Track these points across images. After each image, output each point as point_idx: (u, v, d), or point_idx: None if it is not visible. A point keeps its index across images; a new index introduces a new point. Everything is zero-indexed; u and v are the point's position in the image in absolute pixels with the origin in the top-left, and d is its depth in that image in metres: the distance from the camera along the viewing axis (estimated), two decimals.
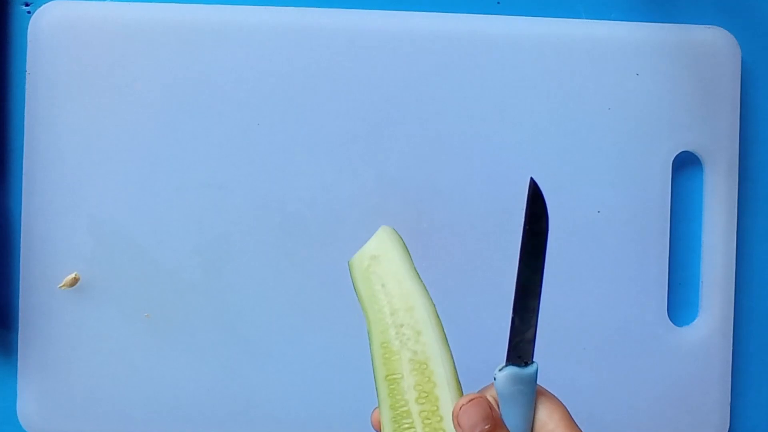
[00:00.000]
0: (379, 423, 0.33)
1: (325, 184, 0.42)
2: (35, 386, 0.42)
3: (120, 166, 0.42)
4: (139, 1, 0.43)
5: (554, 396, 0.32)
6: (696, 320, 0.44)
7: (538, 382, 0.32)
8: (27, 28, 0.42)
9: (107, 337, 0.42)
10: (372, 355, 0.33)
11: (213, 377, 0.43)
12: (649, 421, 0.43)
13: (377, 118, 0.42)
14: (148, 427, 0.42)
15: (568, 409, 0.32)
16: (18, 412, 0.43)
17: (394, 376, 0.32)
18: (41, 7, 0.42)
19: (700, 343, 0.44)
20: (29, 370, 0.42)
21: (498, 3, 0.44)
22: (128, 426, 0.42)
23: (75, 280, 0.42)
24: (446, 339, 0.33)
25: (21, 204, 0.42)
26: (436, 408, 0.32)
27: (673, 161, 0.43)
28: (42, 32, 0.42)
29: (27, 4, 0.44)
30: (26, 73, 0.42)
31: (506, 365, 0.31)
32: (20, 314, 0.42)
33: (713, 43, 0.44)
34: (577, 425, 0.31)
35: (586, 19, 0.44)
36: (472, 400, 0.30)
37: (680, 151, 0.43)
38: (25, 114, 0.42)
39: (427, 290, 0.34)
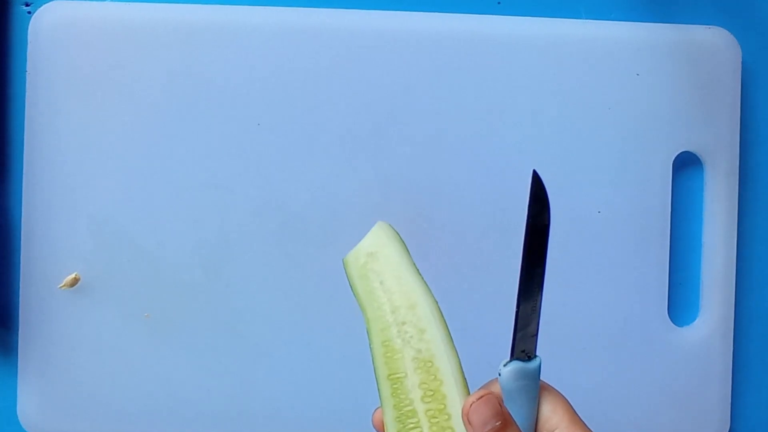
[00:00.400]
0: (382, 423, 0.33)
1: (325, 184, 0.42)
2: (35, 386, 0.42)
3: (120, 166, 0.42)
4: (139, 1, 0.43)
5: (557, 390, 0.32)
6: (696, 320, 0.44)
7: (540, 378, 0.32)
8: (27, 28, 0.42)
9: (107, 337, 0.42)
10: (372, 354, 0.32)
11: (213, 377, 0.43)
12: (649, 421, 0.43)
13: (377, 118, 0.42)
14: (148, 427, 0.42)
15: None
16: (18, 412, 0.43)
17: (397, 375, 0.32)
18: (41, 7, 0.42)
19: (700, 343, 0.44)
20: (29, 370, 0.42)
21: (498, 3, 0.44)
22: (128, 426, 0.42)
23: (75, 280, 0.42)
24: (451, 337, 0.32)
25: (21, 204, 0.42)
26: (443, 406, 0.31)
27: (674, 161, 0.43)
28: (42, 32, 0.42)
29: (27, 4, 0.44)
30: (26, 73, 0.42)
31: (511, 360, 0.31)
32: (20, 314, 0.42)
33: (713, 43, 0.44)
34: (580, 419, 0.31)
35: (586, 19, 0.44)
36: (481, 397, 0.30)
37: (680, 151, 0.43)
38: (25, 114, 0.42)
39: (428, 286, 0.33)
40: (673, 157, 0.43)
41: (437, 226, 0.43)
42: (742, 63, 0.44)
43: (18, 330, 0.42)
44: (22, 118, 0.42)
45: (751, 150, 0.45)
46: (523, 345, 0.31)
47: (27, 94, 0.42)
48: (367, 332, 0.33)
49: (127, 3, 0.43)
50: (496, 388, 0.31)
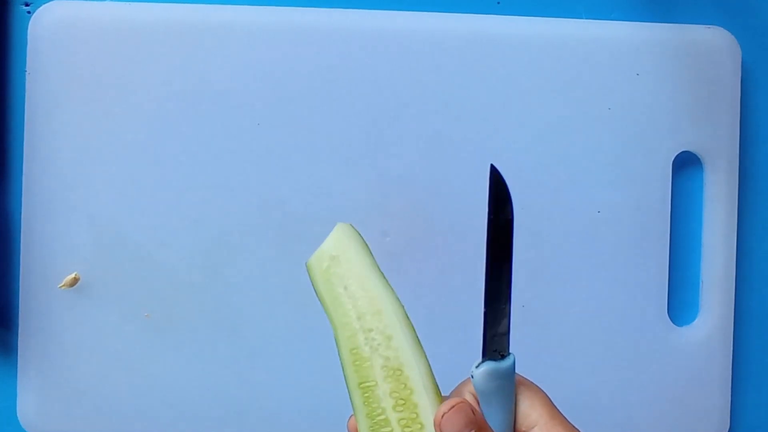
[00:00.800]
0: (356, 430, 0.31)
1: (325, 184, 0.42)
2: (35, 386, 0.42)
3: (120, 166, 0.42)
4: (139, 1, 0.43)
5: (534, 384, 0.31)
6: (696, 320, 0.44)
7: (517, 372, 0.31)
8: (27, 28, 0.42)
9: (107, 337, 0.42)
10: (342, 362, 0.31)
11: (213, 377, 0.43)
12: (649, 421, 0.43)
13: (377, 118, 0.42)
14: (148, 427, 0.42)
15: (562, 410, 0.31)
16: (18, 412, 0.43)
17: (368, 384, 0.31)
18: (41, 7, 0.42)
19: (700, 343, 0.44)
20: (29, 370, 0.42)
21: (498, 3, 0.44)
22: (128, 426, 0.42)
23: (75, 280, 0.42)
24: (419, 342, 0.31)
25: (21, 204, 0.42)
26: (415, 415, 0.30)
27: (673, 161, 0.43)
28: (42, 32, 0.42)
29: (27, 4, 0.44)
30: (26, 73, 0.42)
31: (482, 361, 0.30)
32: (20, 314, 0.42)
33: (713, 43, 0.44)
34: (559, 412, 0.31)
35: (586, 19, 0.44)
36: (453, 406, 0.29)
37: (680, 151, 0.43)
38: (25, 114, 0.42)
39: (393, 290, 0.32)
40: (673, 157, 0.43)
41: (437, 226, 0.43)
42: (742, 63, 0.44)
43: (18, 330, 0.42)
44: (22, 118, 0.42)
45: (751, 150, 0.45)
46: (495, 345, 0.30)
47: (27, 94, 0.42)
48: (335, 339, 0.32)
49: (127, 3, 0.43)
50: (471, 389, 0.31)
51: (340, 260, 0.32)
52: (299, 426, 0.43)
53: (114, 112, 0.42)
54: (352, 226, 0.33)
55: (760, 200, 0.45)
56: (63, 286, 0.42)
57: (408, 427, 0.30)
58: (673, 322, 0.43)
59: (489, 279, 0.30)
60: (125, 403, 0.42)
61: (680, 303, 0.44)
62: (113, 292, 0.42)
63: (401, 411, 0.30)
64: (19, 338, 0.42)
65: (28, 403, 0.42)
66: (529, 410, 0.30)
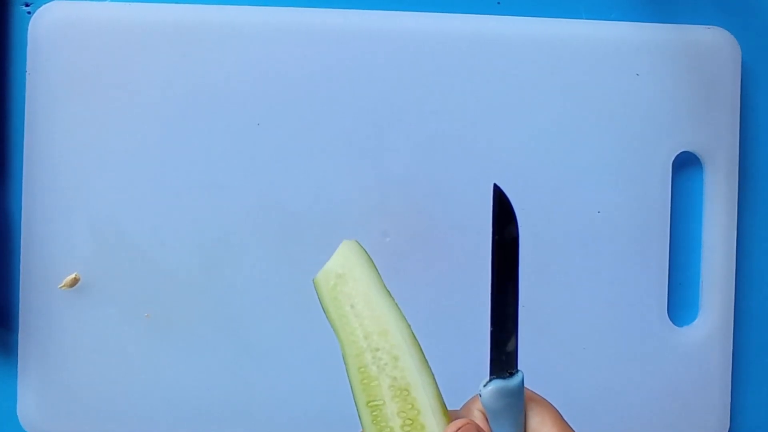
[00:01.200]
0: None
1: (325, 184, 0.42)
2: (35, 386, 0.42)
3: (120, 166, 0.42)
4: (139, 1, 0.43)
5: (544, 399, 0.31)
6: (696, 320, 0.44)
7: (526, 385, 0.31)
8: (27, 28, 0.42)
9: (107, 337, 0.42)
10: (350, 380, 0.31)
11: (213, 377, 0.43)
12: (649, 421, 0.43)
13: (377, 118, 0.42)
14: (148, 427, 0.42)
15: (563, 411, 0.31)
16: (18, 412, 0.43)
17: (376, 403, 0.31)
18: (41, 7, 0.42)
19: (700, 343, 0.44)
20: (29, 370, 0.42)
21: (498, 3, 0.44)
22: (128, 426, 0.42)
23: (75, 280, 0.42)
24: (426, 362, 0.31)
25: (21, 204, 0.42)
26: None
27: (673, 161, 0.43)
28: (42, 32, 0.42)
29: (27, 4, 0.44)
30: (26, 73, 0.42)
31: (490, 379, 0.30)
32: (20, 314, 0.42)
33: (713, 43, 0.44)
34: (570, 427, 0.30)
35: (586, 19, 0.44)
36: (460, 428, 0.29)
37: (680, 151, 0.43)
38: (25, 114, 0.42)
39: (400, 309, 0.32)
40: (673, 157, 0.43)
41: (437, 226, 0.43)
42: (742, 63, 0.44)
43: (18, 330, 0.42)
44: (22, 118, 0.42)
45: (751, 150, 0.45)
46: (502, 363, 0.30)
47: (27, 94, 0.42)
48: (343, 356, 0.32)
49: (127, 3, 0.43)
50: (479, 406, 0.31)
51: (347, 279, 0.32)
52: (299, 426, 0.43)
53: (114, 112, 0.42)
54: (359, 243, 0.33)
55: (760, 200, 0.45)
56: (63, 286, 0.42)
57: None
58: (673, 322, 0.43)
59: (495, 298, 0.30)
60: (125, 403, 0.42)
61: (680, 303, 0.44)
62: (113, 292, 0.42)
63: (409, 431, 0.30)
64: (19, 338, 0.42)
65: (28, 403, 0.42)
66: (539, 426, 0.30)
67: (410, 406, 0.31)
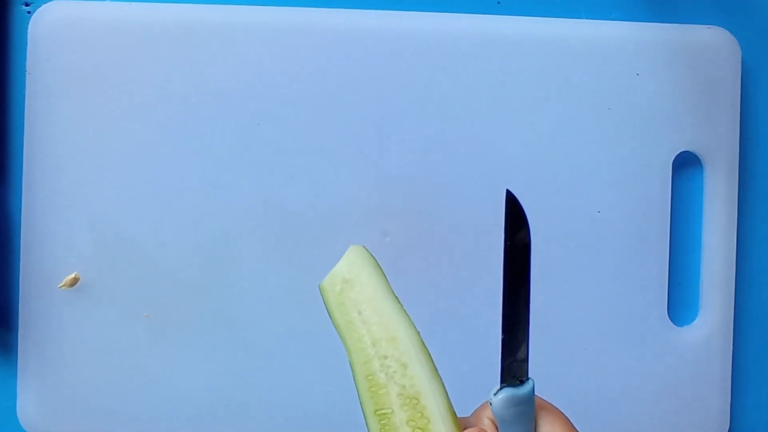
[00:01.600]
0: None
1: (325, 184, 0.42)
2: (35, 386, 0.42)
3: (120, 166, 0.42)
4: (139, 1, 0.43)
5: (555, 408, 0.31)
6: (696, 320, 0.44)
7: (536, 396, 0.30)
8: (27, 28, 0.42)
9: (107, 337, 0.42)
10: (357, 388, 0.31)
11: (213, 377, 0.43)
12: (649, 421, 0.43)
13: (377, 118, 0.42)
14: (148, 427, 0.42)
15: (563, 410, 0.31)
16: (18, 412, 0.43)
17: (384, 411, 0.30)
18: (41, 7, 0.42)
19: (700, 343, 0.44)
20: (29, 370, 0.42)
21: (498, 3, 0.44)
22: (128, 426, 0.42)
23: (75, 280, 0.42)
24: (436, 370, 0.30)
25: (21, 204, 0.42)
26: None
27: (673, 161, 0.43)
28: (42, 32, 0.42)
29: (27, 4, 0.44)
30: (26, 73, 0.42)
31: (501, 387, 0.29)
32: (20, 314, 0.42)
33: (713, 43, 0.44)
34: None
35: (586, 19, 0.44)
36: None
37: (680, 151, 0.43)
38: (25, 114, 0.42)
39: (408, 316, 0.31)
40: (673, 157, 0.43)
41: (437, 227, 0.43)
42: (742, 63, 0.44)
43: (18, 330, 0.42)
44: (22, 118, 0.42)
45: (751, 150, 0.45)
46: (513, 371, 0.30)
47: (27, 94, 0.42)
48: (350, 363, 0.31)
49: (127, 3, 0.43)
50: (489, 414, 0.30)
51: (354, 284, 0.31)
52: (300, 426, 0.43)
53: (114, 112, 0.42)
54: (365, 249, 0.32)
55: (760, 200, 0.45)
56: (63, 286, 0.42)
57: None
58: (673, 322, 0.43)
59: (506, 305, 0.30)
60: (125, 403, 0.42)
61: (680, 303, 0.44)
62: (113, 292, 0.42)
63: None
64: (19, 338, 0.42)
65: (28, 403, 0.42)
66: None
67: (420, 414, 0.30)
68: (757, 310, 0.45)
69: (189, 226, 0.42)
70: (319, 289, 0.32)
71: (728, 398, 0.44)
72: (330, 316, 0.31)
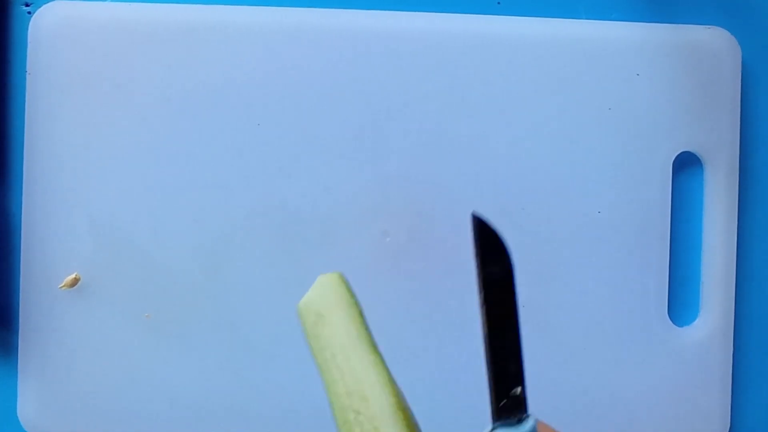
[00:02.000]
0: None
1: (325, 184, 0.42)
2: (35, 386, 0.42)
3: (120, 166, 0.42)
4: (139, 1, 0.43)
5: None
6: (696, 320, 0.44)
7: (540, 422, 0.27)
8: (27, 28, 0.42)
9: (107, 337, 0.42)
10: (336, 423, 0.28)
11: (213, 377, 0.43)
12: (649, 421, 0.43)
13: (377, 119, 0.42)
14: (148, 427, 0.42)
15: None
16: (18, 412, 0.43)
17: None
18: (41, 7, 0.42)
19: (700, 343, 0.44)
20: (29, 370, 0.42)
21: (498, 3, 0.44)
22: (128, 426, 0.42)
23: (75, 280, 0.42)
24: (413, 428, 0.27)
25: (21, 204, 0.42)
26: None
27: (674, 161, 0.43)
28: (42, 32, 0.42)
29: (27, 5, 0.44)
30: (26, 73, 0.42)
31: (494, 428, 0.25)
32: (20, 314, 0.42)
33: (713, 43, 0.44)
34: None
35: (586, 19, 0.44)
36: None
37: (680, 151, 0.43)
38: (25, 114, 0.42)
39: (384, 367, 0.28)
40: (673, 157, 0.43)
41: (438, 227, 0.43)
42: (742, 63, 0.44)
43: (18, 330, 0.42)
44: (22, 118, 0.43)
45: (751, 150, 0.45)
46: (506, 410, 0.25)
47: (27, 94, 0.42)
48: (328, 398, 0.28)
49: (127, 3, 0.43)
50: None
51: (326, 322, 0.28)
52: (299, 426, 0.43)
53: (114, 112, 0.42)
54: (341, 277, 0.29)
55: (760, 200, 0.45)
56: (63, 286, 0.42)
57: None
58: (673, 322, 0.43)
59: (490, 348, 0.25)
60: (125, 403, 0.42)
61: (680, 303, 0.44)
62: (113, 292, 0.42)
63: None
64: (19, 338, 0.42)
65: (28, 403, 0.42)
66: None
67: None
68: (758, 310, 0.45)
69: (189, 226, 0.42)
70: (297, 309, 0.29)
71: (728, 398, 0.44)
72: (306, 339, 0.29)
